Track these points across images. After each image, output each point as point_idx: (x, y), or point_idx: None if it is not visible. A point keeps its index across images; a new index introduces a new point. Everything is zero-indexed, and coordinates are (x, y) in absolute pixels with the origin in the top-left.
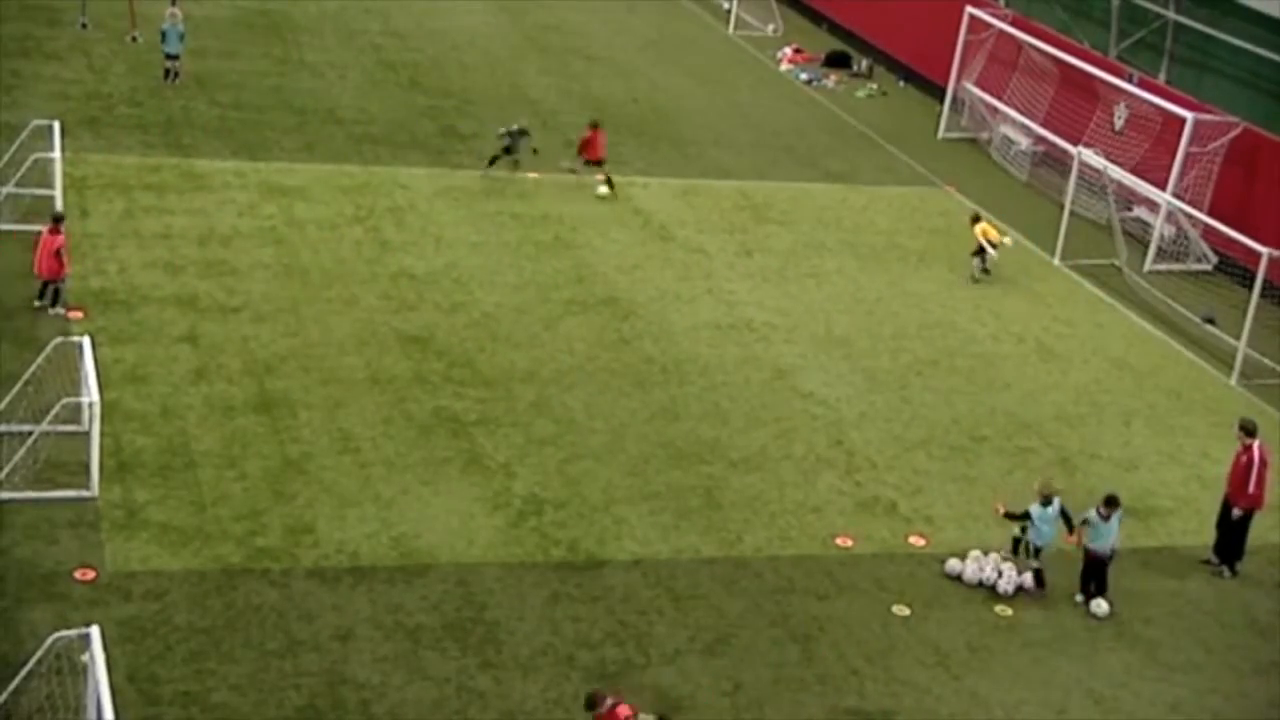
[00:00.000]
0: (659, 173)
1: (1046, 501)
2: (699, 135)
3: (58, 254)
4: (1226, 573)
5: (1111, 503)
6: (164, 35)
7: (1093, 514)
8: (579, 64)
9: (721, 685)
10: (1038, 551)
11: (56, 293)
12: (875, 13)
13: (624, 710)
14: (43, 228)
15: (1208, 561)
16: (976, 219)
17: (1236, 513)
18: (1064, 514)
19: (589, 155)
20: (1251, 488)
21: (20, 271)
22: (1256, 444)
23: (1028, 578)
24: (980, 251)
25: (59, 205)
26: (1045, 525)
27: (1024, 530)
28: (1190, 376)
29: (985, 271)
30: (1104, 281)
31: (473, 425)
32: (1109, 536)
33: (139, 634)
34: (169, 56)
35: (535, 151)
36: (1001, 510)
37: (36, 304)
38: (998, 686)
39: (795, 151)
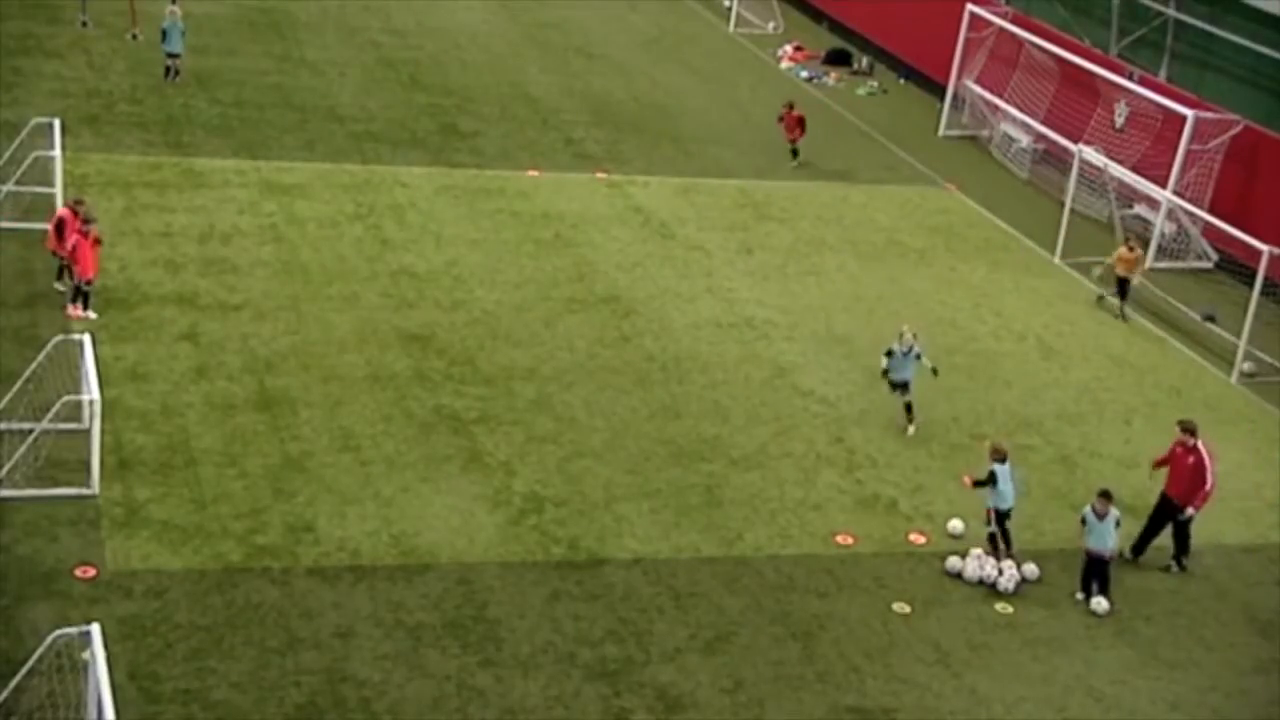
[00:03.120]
0: (659, 171)
1: (1002, 458)
2: (699, 133)
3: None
4: (1174, 567)
5: (1106, 496)
6: (164, 33)
7: (1087, 511)
8: (579, 62)
9: (722, 683)
10: (1003, 516)
11: (82, 293)
12: (876, 10)
13: None
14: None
15: (1167, 567)
16: (1131, 246)
17: (1190, 512)
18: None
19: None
20: (1208, 485)
21: (21, 270)
22: (1200, 443)
23: (1030, 568)
24: (1123, 285)
25: (59, 203)
26: (1006, 485)
27: (989, 487)
28: (1190, 374)
29: (1118, 305)
30: (1105, 279)
31: (473, 423)
32: (1107, 536)
33: (139, 632)
34: (169, 54)
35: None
36: (969, 481)
37: (89, 314)
38: (998, 684)
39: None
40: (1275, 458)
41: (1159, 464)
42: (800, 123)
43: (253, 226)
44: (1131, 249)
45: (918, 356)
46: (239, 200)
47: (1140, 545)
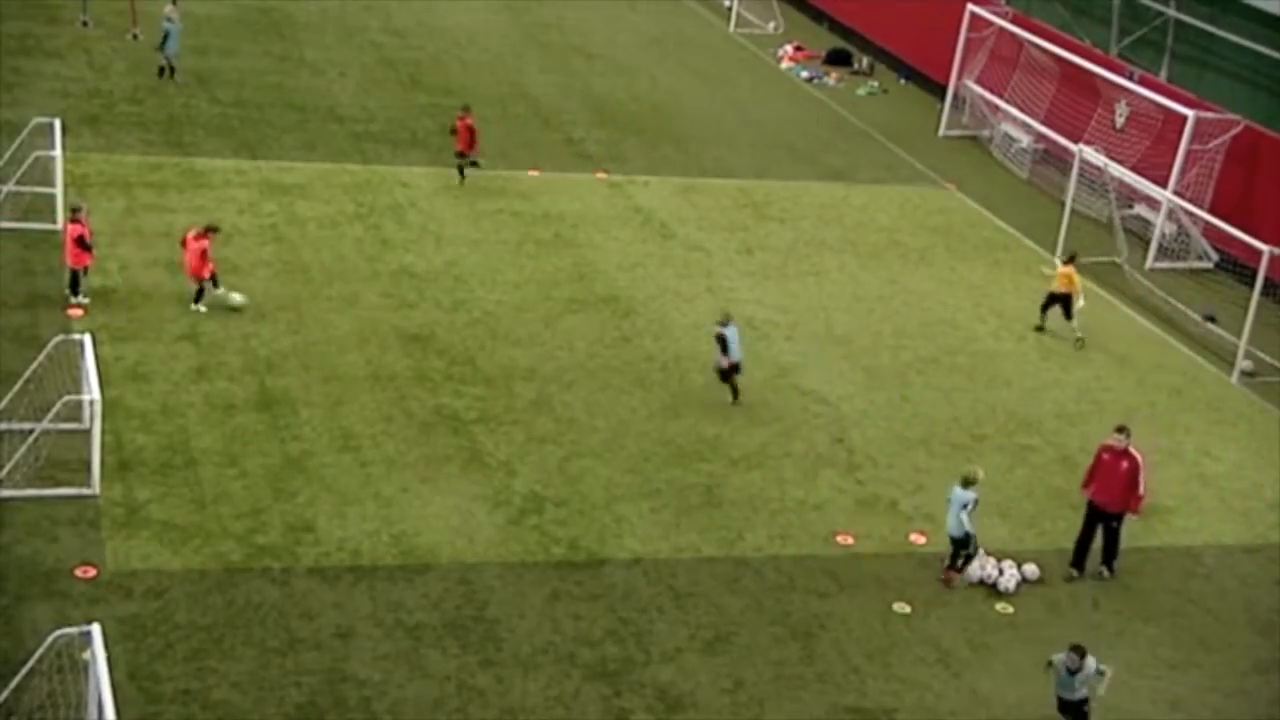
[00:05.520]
0: (659, 171)
1: (725, 323)
2: (700, 133)
3: (203, 255)
4: (1106, 573)
5: (1079, 651)
6: (165, 33)
7: (1058, 658)
8: (579, 61)
9: (722, 683)
10: (735, 368)
11: (200, 291)
12: (876, 10)
13: None
14: (65, 222)
15: (1070, 578)
16: (1073, 258)
17: (1132, 516)
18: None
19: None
20: (1142, 490)
21: (21, 270)
22: (1132, 447)
23: (1030, 569)
24: (1064, 302)
25: (59, 204)
26: (734, 344)
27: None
28: (1191, 374)
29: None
30: (1105, 279)
31: (473, 423)
32: (1080, 688)
33: (140, 632)
34: (162, 51)
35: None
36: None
37: (194, 307)
38: (998, 684)
39: (796, 149)
40: (1275, 458)
41: (1089, 481)
42: (470, 133)
43: (253, 226)
44: (1067, 261)
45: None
46: (239, 200)
47: (1078, 558)
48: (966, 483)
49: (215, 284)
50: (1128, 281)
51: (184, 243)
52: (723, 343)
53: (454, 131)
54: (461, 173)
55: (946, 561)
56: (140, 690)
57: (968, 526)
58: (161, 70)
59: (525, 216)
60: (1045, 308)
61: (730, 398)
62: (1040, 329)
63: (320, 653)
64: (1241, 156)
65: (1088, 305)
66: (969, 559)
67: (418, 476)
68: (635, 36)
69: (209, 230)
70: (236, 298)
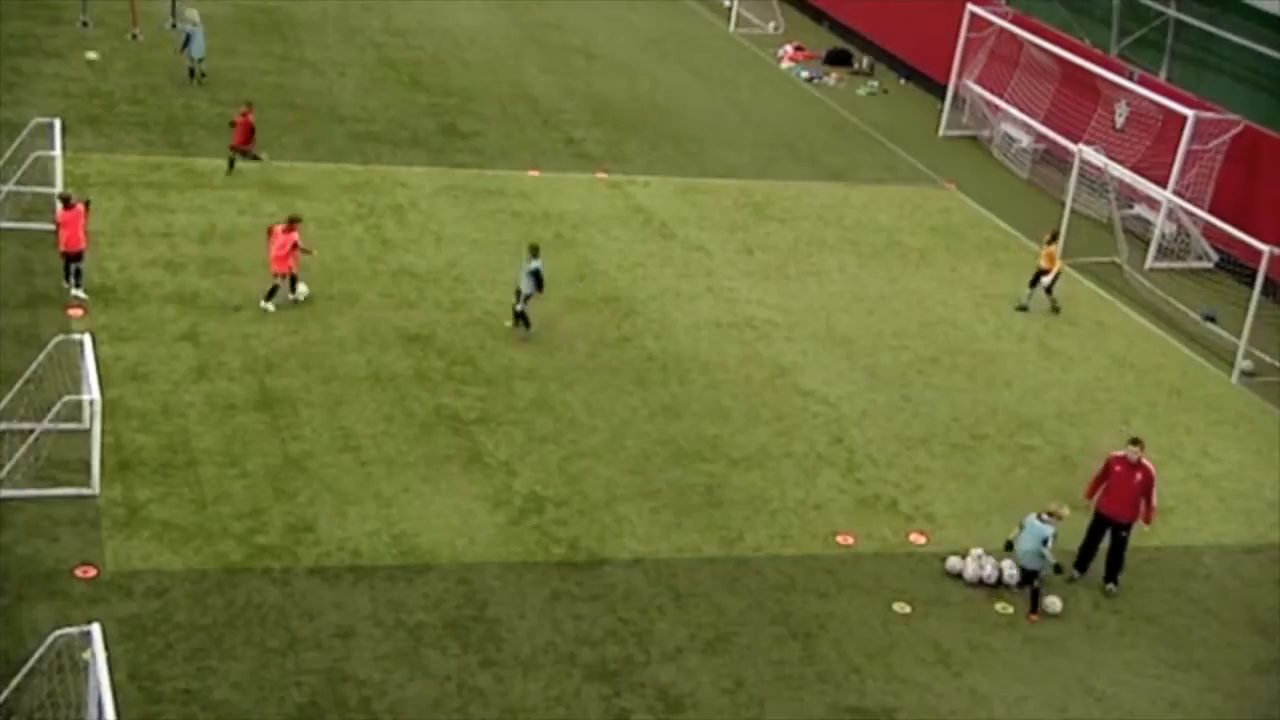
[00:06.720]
0: (660, 171)
1: (534, 254)
2: (700, 133)
3: (295, 248)
4: (1112, 588)
5: None
6: (187, 35)
7: None
8: (580, 62)
9: (722, 683)
10: (526, 297)
11: (293, 281)
12: (876, 10)
13: None
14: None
15: (1071, 579)
16: (1055, 238)
17: (1143, 526)
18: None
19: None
20: (1154, 501)
21: (21, 270)
22: (1145, 458)
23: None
24: (1043, 277)
25: (59, 203)
26: (539, 274)
27: None
28: (1191, 374)
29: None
30: (1105, 279)
31: (473, 423)
32: None
33: (140, 632)
34: (193, 58)
35: None
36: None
37: (262, 304)
38: (998, 684)
39: (796, 149)
40: (1275, 458)
41: (1094, 489)
42: (249, 129)
43: (253, 226)
44: (1050, 240)
45: None
46: (239, 200)
47: (1083, 561)
48: (1049, 516)
49: (293, 283)
50: (1128, 281)
51: (270, 233)
52: (537, 277)
53: (232, 124)
54: (231, 164)
55: (1030, 602)
56: (140, 690)
57: (1041, 563)
58: (192, 72)
59: (525, 216)
60: (1034, 284)
61: (510, 324)
62: (1043, 310)
63: (320, 653)
64: (1241, 156)
65: (1088, 304)
66: (1037, 591)
67: (418, 476)
68: (635, 36)
69: (294, 221)
70: (303, 289)
